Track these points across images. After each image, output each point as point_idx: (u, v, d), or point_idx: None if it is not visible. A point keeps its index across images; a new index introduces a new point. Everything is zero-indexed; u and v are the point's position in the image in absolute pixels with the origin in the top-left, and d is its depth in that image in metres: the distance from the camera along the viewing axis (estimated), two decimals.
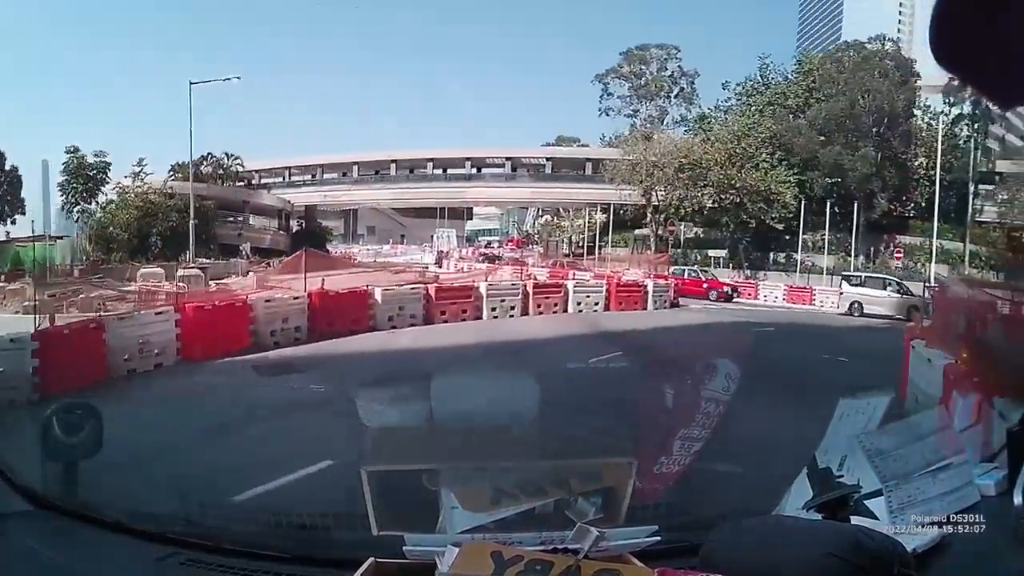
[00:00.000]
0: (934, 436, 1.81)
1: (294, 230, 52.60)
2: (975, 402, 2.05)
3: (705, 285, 28.98)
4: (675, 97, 49.11)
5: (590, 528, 1.43)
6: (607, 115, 49.84)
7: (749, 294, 31.44)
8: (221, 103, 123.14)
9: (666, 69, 48.71)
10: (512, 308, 17.67)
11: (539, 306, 18.39)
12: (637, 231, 46.67)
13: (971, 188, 42.19)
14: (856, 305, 24.52)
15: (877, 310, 23.70)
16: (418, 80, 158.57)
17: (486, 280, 19.58)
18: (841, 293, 25.52)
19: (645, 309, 21.01)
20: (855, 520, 1.55)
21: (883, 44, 44.35)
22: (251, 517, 2.49)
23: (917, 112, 45.03)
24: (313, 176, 55.79)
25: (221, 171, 46.80)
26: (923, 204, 44.20)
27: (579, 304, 19.32)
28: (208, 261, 32.12)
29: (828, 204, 39.01)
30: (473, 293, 17.40)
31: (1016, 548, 1.41)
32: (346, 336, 13.43)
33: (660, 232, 42.31)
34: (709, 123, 45.75)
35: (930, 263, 35.18)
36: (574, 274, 25.39)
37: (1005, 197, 42.71)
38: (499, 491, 1.81)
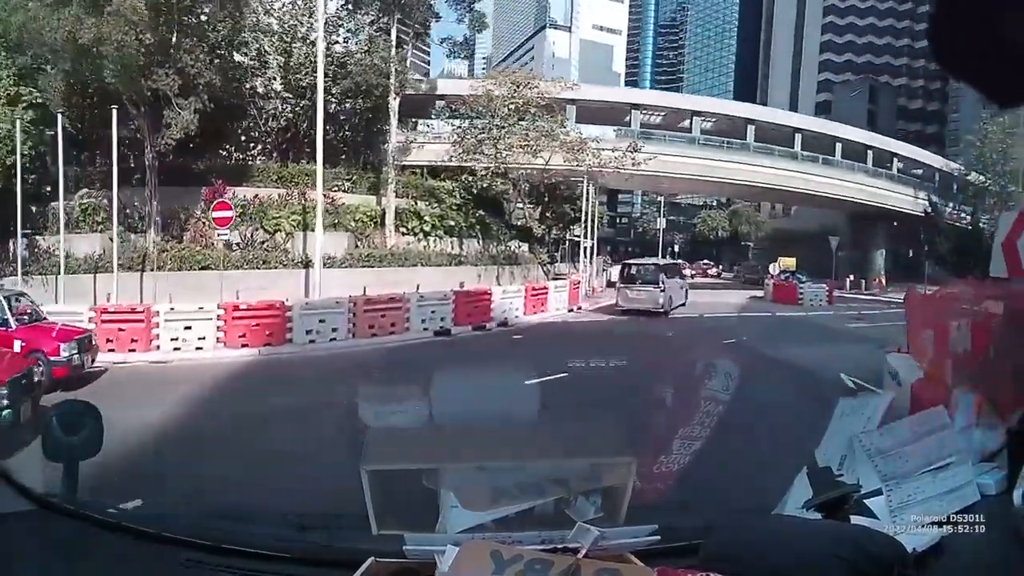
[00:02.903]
0: (934, 436, 1.81)
1: None
2: (975, 402, 2.03)
3: None
4: None
5: (590, 528, 1.43)
6: None
7: (135, 341, 12.93)
8: None
9: None
10: None
11: None
12: None
13: (392, 120, 25.26)
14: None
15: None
16: None
17: None
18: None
19: None
20: (855, 520, 1.55)
21: None
22: (251, 517, 2.48)
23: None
24: None
25: None
26: (270, 138, 26.28)
27: None
28: None
29: (72, 129, 19.56)
30: None
31: (1016, 548, 1.40)
32: None
33: None
34: None
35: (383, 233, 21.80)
36: None
37: (475, 127, 28.77)
38: (499, 491, 1.80)
